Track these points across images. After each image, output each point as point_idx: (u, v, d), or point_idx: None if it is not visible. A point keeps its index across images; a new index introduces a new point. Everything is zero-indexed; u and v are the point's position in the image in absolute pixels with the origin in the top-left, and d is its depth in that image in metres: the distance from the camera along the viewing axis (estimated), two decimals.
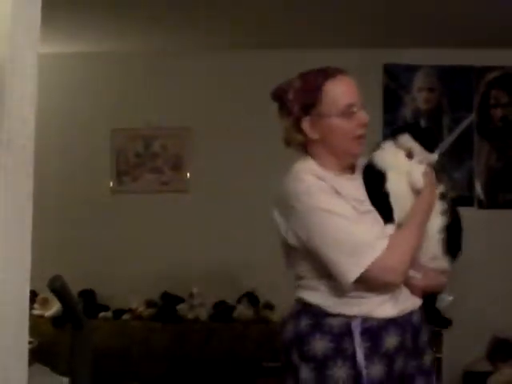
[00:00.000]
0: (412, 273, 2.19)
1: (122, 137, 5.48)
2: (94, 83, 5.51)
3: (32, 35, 1.36)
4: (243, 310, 5.04)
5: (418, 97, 5.34)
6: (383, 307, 2.14)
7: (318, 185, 2.14)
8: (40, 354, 4.12)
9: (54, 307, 4.91)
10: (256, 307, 5.09)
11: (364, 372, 2.09)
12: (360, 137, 2.24)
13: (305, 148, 2.26)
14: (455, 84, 5.31)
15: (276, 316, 4.99)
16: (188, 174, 5.42)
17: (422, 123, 2.46)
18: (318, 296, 2.18)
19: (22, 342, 1.38)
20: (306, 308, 2.20)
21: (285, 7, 4.48)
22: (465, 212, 5.49)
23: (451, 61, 5.27)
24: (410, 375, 2.21)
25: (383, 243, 2.10)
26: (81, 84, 5.53)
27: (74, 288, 3.09)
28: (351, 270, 2.07)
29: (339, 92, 2.24)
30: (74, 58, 5.48)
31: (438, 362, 4.89)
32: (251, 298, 5.11)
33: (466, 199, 5.24)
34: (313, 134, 2.21)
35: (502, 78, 5.29)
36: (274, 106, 2.31)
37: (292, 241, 2.17)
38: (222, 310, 5.11)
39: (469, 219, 5.43)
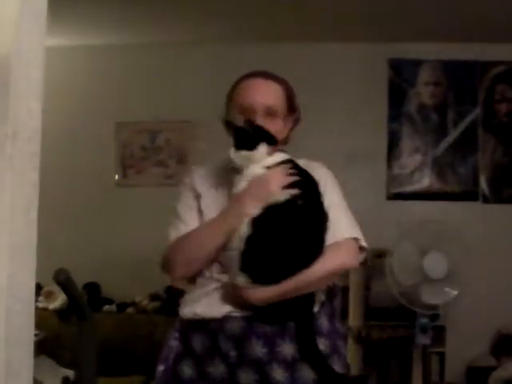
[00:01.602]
0: (218, 276, 2.17)
1: (127, 130, 5.49)
2: (99, 76, 5.52)
3: (38, 27, 1.36)
4: None
5: (423, 91, 5.33)
6: (184, 308, 2.23)
7: (185, 179, 2.44)
8: (45, 347, 4.13)
9: (59, 300, 4.92)
10: None
11: (175, 370, 2.18)
12: None
13: None
14: (460, 78, 5.31)
15: None
16: (193, 168, 5.42)
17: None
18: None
19: (27, 334, 1.38)
20: None
21: (287, 0, 4.48)
22: (469, 206, 5.53)
23: (456, 55, 5.26)
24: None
25: (173, 237, 2.35)
26: (86, 77, 5.53)
27: (79, 281, 3.10)
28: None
29: (242, 92, 2.38)
30: (79, 51, 5.48)
31: (441, 357, 4.90)
32: None
33: (471, 194, 5.24)
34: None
35: (507, 72, 5.28)
36: None
37: None
38: None
39: (473, 214, 5.48)
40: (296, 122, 2.39)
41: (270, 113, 2.26)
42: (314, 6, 4.57)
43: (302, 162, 2.25)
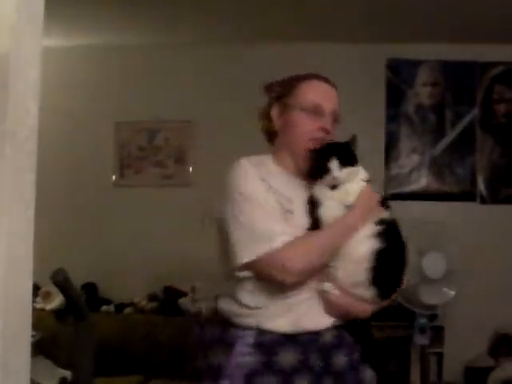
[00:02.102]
0: (328, 287, 2.10)
1: (126, 130, 5.49)
2: (97, 76, 5.52)
3: (36, 27, 1.36)
4: None
5: (421, 92, 5.34)
6: (276, 321, 2.07)
7: (247, 170, 2.16)
8: (42, 347, 4.13)
9: (57, 300, 4.91)
10: None
11: None
12: (315, 140, 2.19)
13: (270, 140, 2.32)
14: (459, 79, 5.31)
15: None
16: (191, 168, 5.42)
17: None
18: (228, 303, 2.19)
19: (24, 334, 1.38)
20: (217, 314, 2.23)
21: (287, 0, 4.47)
22: (467, 207, 5.53)
23: (455, 56, 5.26)
24: None
25: (283, 239, 2.04)
26: (85, 77, 5.53)
27: (76, 281, 3.10)
28: (245, 252, 2.05)
29: (311, 91, 2.25)
30: (78, 51, 5.48)
31: (439, 357, 4.90)
32: None
33: (469, 194, 5.24)
34: (277, 124, 2.25)
35: (505, 73, 5.29)
36: None
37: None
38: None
39: (471, 214, 5.48)
40: None
41: (335, 119, 2.25)
42: (313, 7, 4.57)
43: None
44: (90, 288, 5.22)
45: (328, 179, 2.11)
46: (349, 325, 2.17)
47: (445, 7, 4.49)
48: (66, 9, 4.39)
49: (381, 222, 2.12)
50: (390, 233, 2.13)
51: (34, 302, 4.65)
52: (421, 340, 4.58)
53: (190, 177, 5.42)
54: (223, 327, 2.15)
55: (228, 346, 2.09)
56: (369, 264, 2.06)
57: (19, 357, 1.36)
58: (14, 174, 1.31)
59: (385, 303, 2.18)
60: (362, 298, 2.11)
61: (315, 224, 2.13)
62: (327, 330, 2.11)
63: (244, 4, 4.52)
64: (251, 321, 2.08)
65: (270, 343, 2.06)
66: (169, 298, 5.13)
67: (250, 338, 2.07)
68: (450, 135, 5.29)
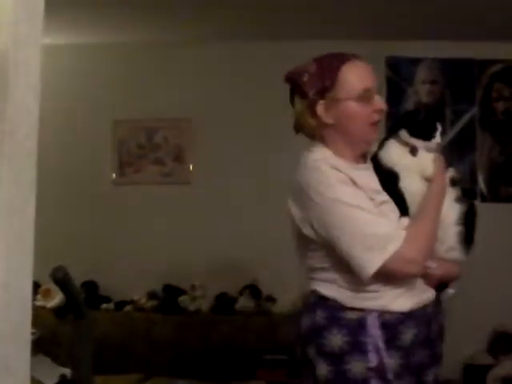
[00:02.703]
0: (428, 263, 2.16)
1: (125, 128, 5.48)
2: (96, 74, 5.51)
3: (35, 25, 1.36)
4: (245, 302, 5.04)
5: (421, 89, 5.33)
6: (398, 301, 2.11)
7: (337, 176, 2.10)
8: (42, 345, 4.13)
9: (57, 298, 4.92)
10: (258, 299, 5.09)
11: (383, 366, 2.07)
12: (375, 123, 2.25)
13: (316, 134, 2.22)
14: (458, 77, 5.31)
15: (277, 308, 5.00)
16: (190, 166, 5.42)
17: (416, 112, 2.30)
18: (334, 289, 2.14)
19: (24, 332, 1.38)
20: (321, 301, 2.16)
21: None
22: None
23: (454, 53, 5.26)
24: (424, 365, 2.19)
25: (401, 235, 2.06)
26: (83, 75, 5.53)
27: (77, 280, 3.10)
28: (370, 262, 2.03)
29: (356, 76, 2.20)
30: (76, 49, 5.48)
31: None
32: (253, 290, 5.11)
33: (468, 192, 5.23)
34: (327, 119, 2.17)
35: (504, 71, 5.28)
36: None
37: (307, 231, 2.13)
38: (223, 301, 5.12)
39: None
40: None
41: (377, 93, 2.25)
42: (313, 5, 4.57)
43: None
44: (89, 286, 5.22)
45: (433, 142, 2.21)
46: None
47: (444, 5, 4.49)
48: (65, 7, 4.39)
49: (453, 183, 2.24)
50: (465, 195, 2.26)
51: (33, 299, 4.65)
52: None
53: (189, 175, 5.42)
54: (338, 311, 2.13)
55: (352, 328, 2.10)
56: (458, 227, 2.20)
57: (19, 354, 1.36)
58: (14, 172, 1.31)
59: None
60: (455, 261, 2.28)
61: (398, 200, 2.17)
62: (432, 301, 2.22)
63: (244, 3, 4.52)
64: (374, 303, 2.11)
65: (394, 323, 2.11)
66: (168, 296, 5.13)
67: (375, 319, 2.10)
68: (450, 133, 5.29)
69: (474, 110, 5.28)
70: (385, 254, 2.03)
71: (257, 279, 5.16)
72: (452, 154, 5.25)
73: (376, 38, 5.16)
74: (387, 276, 2.08)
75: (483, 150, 5.26)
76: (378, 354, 2.07)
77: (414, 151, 2.20)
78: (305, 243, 2.18)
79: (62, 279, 2.26)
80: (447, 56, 5.28)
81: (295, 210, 2.15)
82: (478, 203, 5.16)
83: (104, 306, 5.15)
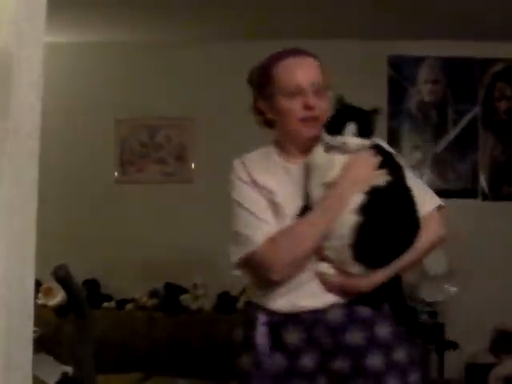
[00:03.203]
0: (322, 268, 2.09)
1: (127, 127, 5.49)
2: (98, 73, 5.51)
3: (37, 23, 1.36)
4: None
5: (423, 89, 5.33)
6: (278, 302, 2.11)
7: (236, 171, 2.24)
8: (44, 343, 4.13)
9: (58, 296, 4.92)
10: None
11: (262, 363, 2.10)
12: (305, 119, 2.17)
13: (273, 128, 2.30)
14: (460, 76, 5.30)
15: None
16: (192, 164, 5.42)
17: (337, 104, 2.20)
18: (251, 288, 2.31)
19: (26, 330, 1.38)
20: None
21: None
22: (469, 204, 5.53)
23: (456, 53, 5.25)
24: (346, 375, 2.07)
25: (260, 239, 2.09)
26: (85, 74, 5.53)
27: (78, 278, 3.10)
28: (233, 255, 2.16)
29: (287, 72, 2.20)
30: (78, 47, 5.48)
31: (440, 354, 4.90)
32: None
33: (471, 191, 5.24)
34: (269, 113, 2.25)
35: (506, 70, 5.28)
36: None
37: None
38: (225, 300, 5.12)
39: (472, 211, 5.48)
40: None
41: (318, 90, 2.20)
42: (314, 4, 4.56)
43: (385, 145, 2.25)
44: (91, 284, 5.22)
45: (336, 140, 2.07)
46: (367, 300, 2.12)
47: (446, 4, 4.48)
48: (67, 5, 4.38)
49: (369, 191, 2.04)
50: (376, 203, 2.04)
51: (35, 298, 4.66)
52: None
53: (191, 174, 5.42)
54: (249, 308, 2.25)
55: (248, 323, 2.19)
56: (350, 240, 2.01)
57: (21, 353, 1.36)
58: (16, 170, 1.31)
59: (389, 272, 2.10)
60: (354, 274, 2.08)
61: (306, 205, 2.12)
62: (333, 307, 2.09)
63: (245, 2, 4.52)
64: (262, 301, 2.16)
65: (276, 322, 2.12)
66: (170, 295, 5.13)
67: (263, 316, 2.14)
68: (452, 133, 5.29)
69: (476, 110, 5.28)
70: (241, 251, 2.13)
71: None
72: (454, 153, 5.26)
73: (378, 37, 5.16)
74: (251, 273, 2.19)
75: (485, 149, 5.26)
76: (262, 351, 2.11)
77: (327, 149, 2.10)
78: None
79: (63, 278, 2.26)
80: (449, 55, 5.28)
81: None
82: (480, 202, 5.22)
83: (105, 304, 5.16)
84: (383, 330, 2.10)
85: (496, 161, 5.26)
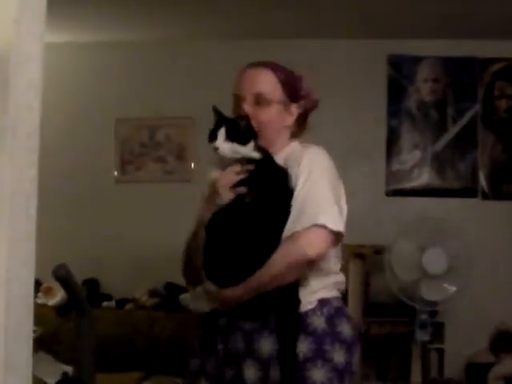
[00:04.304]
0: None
1: (127, 126, 5.48)
2: (98, 73, 5.51)
3: (38, 23, 1.35)
4: None
5: (423, 87, 5.33)
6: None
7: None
8: (44, 343, 4.13)
9: (58, 296, 4.91)
10: None
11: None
12: None
13: None
14: (460, 75, 5.30)
15: None
16: (192, 164, 5.42)
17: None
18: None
19: (26, 329, 1.38)
20: None
21: None
22: (468, 203, 5.52)
23: (456, 52, 5.25)
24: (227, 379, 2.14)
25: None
26: (85, 73, 5.53)
27: (78, 277, 3.10)
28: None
29: (236, 81, 2.31)
30: (78, 47, 5.48)
31: (440, 353, 4.90)
32: None
33: (470, 190, 5.24)
34: None
35: (506, 69, 5.28)
36: None
37: None
38: None
39: (472, 210, 5.47)
40: (308, 109, 2.36)
41: (260, 101, 2.22)
42: (314, 3, 4.56)
43: (297, 148, 2.26)
44: (91, 284, 5.22)
45: (212, 146, 2.14)
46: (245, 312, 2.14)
47: (445, 3, 4.48)
48: (67, 5, 4.39)
49: (216, 211, 2.12)
50: (218, 222, 2.10)
51: (35, 297, 4.66)
52: (422, 336, 4.59)
53: (191, 173, 5.42)
54: None
55: None
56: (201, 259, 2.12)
57: (21, 352, 1.36)
58: (15, 170, 1.31)
59: (245, 288, 2.09)
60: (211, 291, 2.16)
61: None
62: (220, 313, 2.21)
63: (246, 1, 4.52)
64: None
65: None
66: (170, 294, 5.13)
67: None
68: (452, 131, 5.28)
69: (476, 108, 5.27)
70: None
71: None
72: (454, 151, 5.26)
73: (378, 36, 5.16)
74: None
75: (485, 147, 5.26)
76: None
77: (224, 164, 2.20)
78: None
79: (63, 277, 2.26)
80: (449, 54, 5.27)
81: None
82: (479, 201, 5.22)
83: (105, 303, 5.15)
84: (264, 344, 2.10)
85: (496, 160, 5.25)
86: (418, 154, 5.29)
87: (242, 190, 2.08)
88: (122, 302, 5.19)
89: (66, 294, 2.47)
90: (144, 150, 5.48)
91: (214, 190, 2.13)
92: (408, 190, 5.25)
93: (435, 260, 4.43)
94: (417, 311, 4.57)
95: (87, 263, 5.10)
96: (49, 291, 4.99)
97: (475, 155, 5.25)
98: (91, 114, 5.45)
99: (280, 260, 2.06)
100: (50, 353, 4.16)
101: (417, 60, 5.33)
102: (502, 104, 5.28)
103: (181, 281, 5.23)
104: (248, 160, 2.12)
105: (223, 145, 2.10)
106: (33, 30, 1.34)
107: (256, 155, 2.12)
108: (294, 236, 2.08)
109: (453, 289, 4.49)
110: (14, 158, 1.30)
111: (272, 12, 4.76)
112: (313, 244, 2.08)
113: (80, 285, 4.66)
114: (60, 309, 4.92)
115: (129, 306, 5.16)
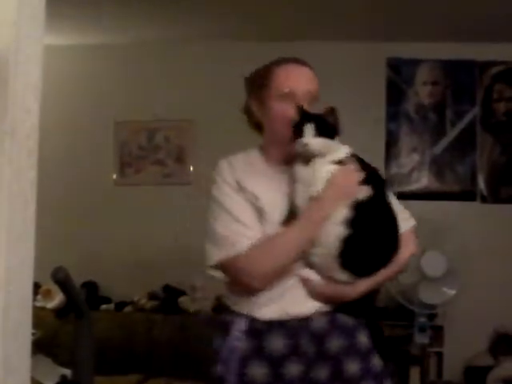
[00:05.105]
0: (307, 274, 2.12)
1: (126, 129, 5.49)
2: (97, 75, 5.52)
3: (37, 25, 1.35)
4: None
5: (422, 90, 5.34)
6: (262, 309, 2.10)
7: (220, 171, 2.23)
8: (42, 346, 4.13)
9: (57, 298, 4.91)
10: None
11: (244, 371, 2.09)
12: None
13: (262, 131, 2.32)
14: (459, 78, 5.31)
15: None
16: (191, 167, 5.42)
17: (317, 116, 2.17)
18: (227, 293, 2.26)
19: (25, 333, 1.38)
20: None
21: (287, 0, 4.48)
22: (467, 206, 5.53)
23: (455, 55, 5.26)
24: (321, 381, 2.09)
25: (245, 245, 2.08)
26: (84, 76, 5.53)
27: (77, 280, 3.10)
28: (211, 256, 2.14)
29: (282, 77, 2.23)
30: (77, 50, 5.48)
31: (439, 356, 4.90)
32: None
33: (469, 193, 5.24)
34: (258, 115, 2.28)
35: (505, 72, 5.29)
36: None
37: None
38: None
39: (471, 213, 5.48)
40: None
41: (312, 99, 2.23)
42: (313, 6, 4.57)
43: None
44: (90, 286, 5.22)
45: (300, 144, 2.09)
46: (349, 308, 2.17)
47: (445, 6, 4.49)
48: (66, 7, 4.39)
49: (353, 205, 2.08)
50: (360, 217, 2.08)
51: (34, 300, 4.65)
52: (420, 339, 4.59)
53: (190, 176, 5.42)
54: (223, 314, 2.23)
55: (224, 331, 2.17)
56: (337, 250, 2.06)
57: (19, 355, 1.36)
58: (14, 172, 1.31)
59: (371, 283, 2.15)
60: (339, 281, 2.11)
61: (292, 213, 2.14)
62: (317, 314, 2.11)
63: (245, 2, 4.52)
64: (243, 308, 2.14)
65: (259, 329, 2.10)
66: (169, 297, 5.13)
67: (242, 324, 2.12)
68: (451, 134, 5.29)
69: (475, 111, 5.28)
70: (222, 254, 2.10)
71: None
72: (453, 154, 5.26)
73: (377, 39, 5.17)
74: (230, 279, 2.17)
75: (484, 150, 5.27)
76: (238, 360, 2.10)
77: (303, 158, 2.14)
78: None
79: (62, 280, 2.26)
80: (448, 57, 5.28)
81: None
82: (478, 204, 5.22)
83: (104, 306, 5.15)
84: (363, 339, 2.18)
85: (495, 162, 5.26)
86: (416, 157, 5.30)
87: (370, 189, 2.13)
88: (120, 305, 5.19)
89: (65, 296, 2.47)
90: (143, 152, 5.48)
91: (343, 187, 2.10)
92: (407, 193, 5.25)
93: (434, 263, 4.43)
94: (416, 314, 4.57)
95: (86, 266, 5.10)
96: (47, 294, 4.99)
97: (474, 158, 5.26)
98: (90, 117, 5.45)
99: (403, 256, 2.21)
100: (48, 355, 4.15)
101: (416, 63, 5.34)
102: (501, 107, 5.28)
103: (179, 283, 5.26)
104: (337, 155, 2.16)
105: (313, 140, 2.09)
106: (32, 33, 1.34)
107: (346, 150, 2.19)
108: (406, 235, 2.24)
109: (452, 292, 4.49)
110: (13, 161, 1.30)
111: (271, 14, 4.76)
112: (415, 242, 2.32)
113: (79, 287, 4.66)
114: (59, 311, 4.91)
115: (127, 309, 5.16)
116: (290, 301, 2.10)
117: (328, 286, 2.11)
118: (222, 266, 2.13)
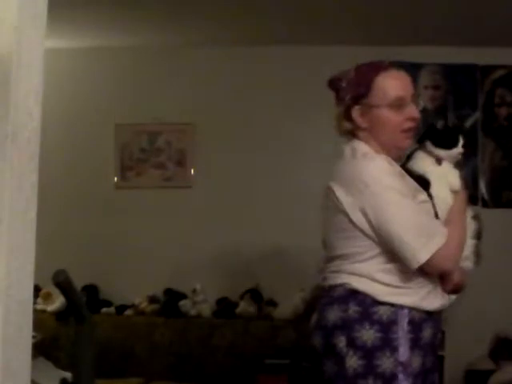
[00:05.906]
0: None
1: (127, 132, 5.48)
2: (98, 78, 5.52)
3: (38, 29, 1.36)
4: (246, 307, 5.03)
5: (423, 95, 5.33)
6: (427, 299, 2.23)
7: (388, 167, 2.22)
8: (43, 349, 4.12)
9: (57, 302, 4.91)
10: (259, 304, 5.08)
11: (410, 362, 2.17)
12: (407, 130, 2.30)
13: (354, 136, 2.35)
14: (460, 82, 5.30)
15: (279, 313, 4.99)
16: (192, 170, 5.42)
17: (439, 124, 2.41)
18: (367, 283, 2.21)
19: (25, 335, 1.38)
20: (353, 294, 2.22)
21: (287, 4, 4.48)
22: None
23: (456, 59, 5.26)
24: (429, 369, 2.27)
25: (445, 232, 2.19)
26: (85, 79, 5.53)
27: (77, 283, 3.10)
28: (421, 251, 2.15)
29: (390, 84, 2.30)
30: (79, 52, 5.48)
31: (440, 360, 4.89)
32: (254, 294, 5.10)
33: (470, 198, 5.21)
34: (362, 123, 2.29)
35: (507, 76, 5.28)
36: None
37: (357, 218, 2.19)
38: (224, 306, 5.11)
39: None
40: None
41: (416, 101, 2.36)
42: (314, 10, 4.57)
43: None
44: (90, 290, 5.21)
45: (455, 151, 2.34)
46: None
47: (445, 10, 4.49)
48: (68, 10, 4.39)
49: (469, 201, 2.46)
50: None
51: (34, 303, 4.65)
52: None
53: (191, 179, 5.42)
54: (371, 306, 2.20)
55: (384, 324, 2.18)
56: (473, 240, 2.35)
57: (20, 358, 1.36)
58: (15, 175, 1.31)
59: None
60: (466, 270, 2.37)
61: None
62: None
63: (246, 6, 4.52)
64: (406, 299, 2.20)
65: (419, 321, 2.21)
66: (169, 300, 5.13)
67: (405, 315, 2.19)
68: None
69: (477, 115, 5.28)
70: (434, 245, 2.15)
71: (258, 283, 5.15)
72: None
73: (378, 43, 5.16)
74: (429, 269, 2.20)
75: (485, 155, 5.26)
76: (407, 350, 2.16)
77: (439, 161, 2.35)
78: (348, 231, 2.23)
79: (63, 283, 2.26)
80: (449, 61, 5.28)
81: (344, 197, 2.20)
82: (479, 208, 5.21)
83: (105, 310, 5.15)
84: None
85: (496, 167, 5.25)
86: None
87: None
88: (121, 308, 5.19)
89: (66, 299, 2.47)
90: (144, 155, 5.48)
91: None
92: None
93: None
94: None
95: (87, 269, 5.09)
96: (48, 297, 4.99)
97: (475, 162, 5.25)
98: (91, 120, 5.45)
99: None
100: (49, 359, 4.14)
101: (417, 67, 5.33)
102: (503, 111, 5.28)
103: (180, 287, 5.25)
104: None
105: (461, 150, 2.38)
106: (33, 37, 1.34)
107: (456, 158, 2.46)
108: None
109: (453, 296, 4.48)
110: (14, 164, 1.30)
111: (272, 19, 4.76)
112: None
113: (79, 291, 4.65)
114: (59, 314, 4.91)
115: (128, 312, 5.16)
116: (438, 294, 2.30)
117: (459, 276, 2.35)
118: (432, 257, 2.16)
